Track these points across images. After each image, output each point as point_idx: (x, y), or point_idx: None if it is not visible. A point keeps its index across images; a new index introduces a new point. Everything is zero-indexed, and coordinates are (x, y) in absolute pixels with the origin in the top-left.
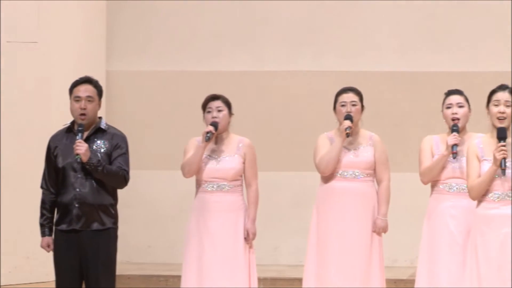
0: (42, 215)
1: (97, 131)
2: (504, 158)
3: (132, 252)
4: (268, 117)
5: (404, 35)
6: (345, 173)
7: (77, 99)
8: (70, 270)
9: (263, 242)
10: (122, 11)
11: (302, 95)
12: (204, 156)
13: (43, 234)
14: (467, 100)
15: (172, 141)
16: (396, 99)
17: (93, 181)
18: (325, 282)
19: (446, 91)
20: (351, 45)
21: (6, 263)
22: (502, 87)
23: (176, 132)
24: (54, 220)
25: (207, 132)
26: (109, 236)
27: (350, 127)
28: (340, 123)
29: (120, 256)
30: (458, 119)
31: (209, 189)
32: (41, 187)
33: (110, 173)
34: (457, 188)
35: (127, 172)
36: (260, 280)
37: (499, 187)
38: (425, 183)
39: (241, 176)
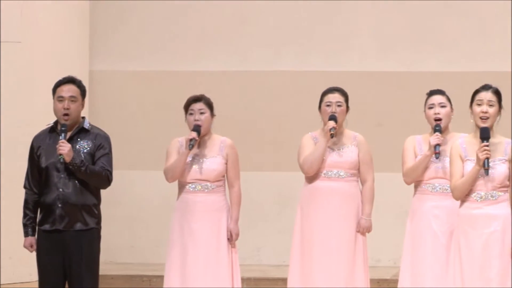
0: (25, 215)
1: (80, 131)
2: (487, 158)
3: (115, 252)
4: (251, 117)
5: (387, 35)
6: (329, 173)
7: (60, 99)
8: (53, 270)
9: (247, 242)
10: (105, 11)
11: (285, 95)
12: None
13: (26, 234)
14: (449, 100)
15: (155, 141)
16: (379, 99)
17: (76, 181)
18: (310, 282)
19: (428, 91)
20: (334, 45)
21: None
22: (485, 87)
23: (159, 132)
24: (37, 220)
25: (191, 140)
26: (92, 236)
27: (334, 128)
28: (325, 123)
29: (104, 256)
30: (440, 119)
31: (191, 190)
32: (24, 187)
33: (93, 173)
34: (440, 188)
35: (110, 173)
36: (243, 280)
37: (482, 187)
38: (408, 183)
39: (223, 176)
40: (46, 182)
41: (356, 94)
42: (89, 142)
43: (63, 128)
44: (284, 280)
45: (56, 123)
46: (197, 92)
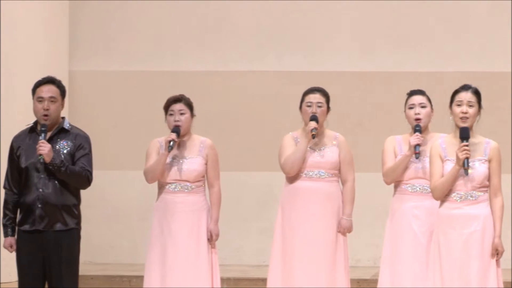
0: (4, 215)
1: (60, 132)
2: (467, 158)
3: (95, 253)
4: (232, 117)
5: (368, 36)
6: (310, 173)
7: (40, 99)
8: (33, 271)
9: (227, 242)
10: (85, 11)
11: (266, 95)
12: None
13: (5, 235)
14: (429, 100)
15: (136, 142)
16: (359, 99)
17: (56, 182)
18: (290, 282)
19: (408, 91)
20: (314, 46)
21: None
22: (465, 87)
23: (139, 133)
24: (17, 220)
25: (170, 141)
26: (72, 237)
27: (315, 128)
28: (306, 123)
29: (83, 257)
30: (420, 119)
31: (171, 190)
32: (4, 187)
33: (73, 174)
34: (420, 188)
35: (90, 173)
36: (223, 280)
37: (462, 187)
38: (388, 183)
39: (203, 177)
40: (26, 182)
41: (337, 95)
42: (69, 142)
43: (43, 129)
44: (264, 280)
45: (36, 123)
46: (177, 92)
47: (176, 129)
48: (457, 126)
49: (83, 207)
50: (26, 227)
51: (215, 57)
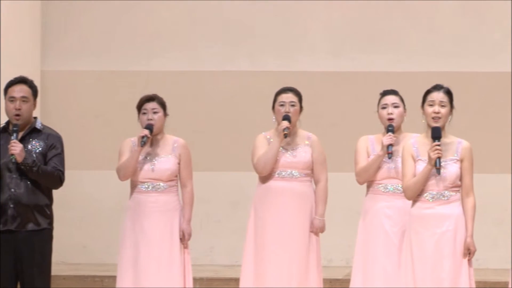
0: None
1: (32, 131)
2: (439, 158)
3: (67, 253)
4: (205, 117)
5: (340, 36)
6: (283, 173)
7: (12, 99)
8: (5, 271)
9: (199, 242)
10: (57, 11)
11: (239, 95)
12: (139, 157)
13: None
14: (402, 100)
15: (108, 141)
16: (332, 99)
17: (28, 182)
18: (263, 282)
19: (381, 91)
20: (287, 45)
21: None
22: (437, 87)
23: (112, 132)
24: None
25: (142, 137)
26: (45, 237)
27: (288, 128)
28: (278, 123)
29: (55, 257)
30: (393, 119)
31: (144, 189)
32: None
33: (45, 174)
34: (392, 188)
35: (62, 173)
36: (196, 280)
37: (434, 187)
38: (360, 183)
39: (176, 176)
40: None
41: (309, 94)
42: (41, 142)
43: (14, 128)
44: (237, 280)
45: (8, 123)
46: (150, 92)
47: (149, 126)
48: (429, 126)
49: (55, 207)
50: None
51: (187, 57)
